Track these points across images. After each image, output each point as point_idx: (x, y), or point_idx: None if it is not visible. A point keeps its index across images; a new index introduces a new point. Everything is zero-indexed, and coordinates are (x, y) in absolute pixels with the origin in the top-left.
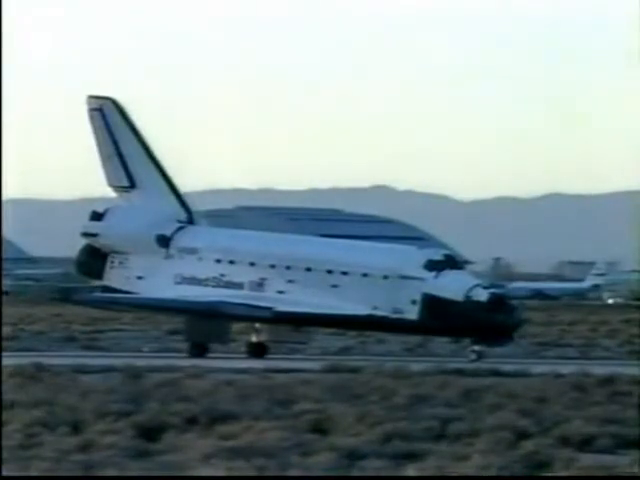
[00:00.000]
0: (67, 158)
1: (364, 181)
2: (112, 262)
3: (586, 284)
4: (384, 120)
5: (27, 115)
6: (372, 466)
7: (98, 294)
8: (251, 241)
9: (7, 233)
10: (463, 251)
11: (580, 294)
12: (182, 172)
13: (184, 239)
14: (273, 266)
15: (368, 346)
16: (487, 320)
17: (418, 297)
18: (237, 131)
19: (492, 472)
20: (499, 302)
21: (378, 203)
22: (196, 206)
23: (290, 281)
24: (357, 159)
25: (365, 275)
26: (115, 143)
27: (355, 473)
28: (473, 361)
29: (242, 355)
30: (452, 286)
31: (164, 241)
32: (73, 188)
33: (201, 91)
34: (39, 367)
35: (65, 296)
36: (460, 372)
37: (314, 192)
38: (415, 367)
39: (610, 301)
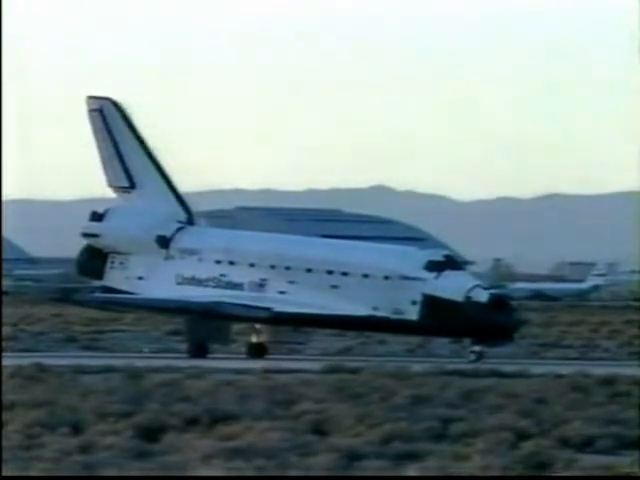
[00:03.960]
0: (67, 158)
1: (364, 181)
2: (112, 262)
3: (586, 285)
4: (384, 120)
5: (27, 115)
6: (372, 466)
7: (98, 294)
8: (251, 242)
9: (7, 233)
10: (463, 251)
11: (580, 295)
12: (182, 172)
13: (184, 240)
14: (273, 267)
15: (368, 347)
16: (487, 321)
17: (418, 298)
18: (237, 131)
19: (492, 472)
20: (499, 303)
21: (378, 203)
22: (196, 206)
23: (290, 282)
24: (357, 159)
25: (365, 276)
26: (115, 143)
27: (355, 473)
28: (473, 362)
29: (242, 355)
30: (452, 287)
31: (164, 241)
32: (73, 188)
33: (201, 91)
34: (39, 367)
35: (65, 296)
36: (460, 373)
37: (314, 192)
38: (415, 368)
39: None
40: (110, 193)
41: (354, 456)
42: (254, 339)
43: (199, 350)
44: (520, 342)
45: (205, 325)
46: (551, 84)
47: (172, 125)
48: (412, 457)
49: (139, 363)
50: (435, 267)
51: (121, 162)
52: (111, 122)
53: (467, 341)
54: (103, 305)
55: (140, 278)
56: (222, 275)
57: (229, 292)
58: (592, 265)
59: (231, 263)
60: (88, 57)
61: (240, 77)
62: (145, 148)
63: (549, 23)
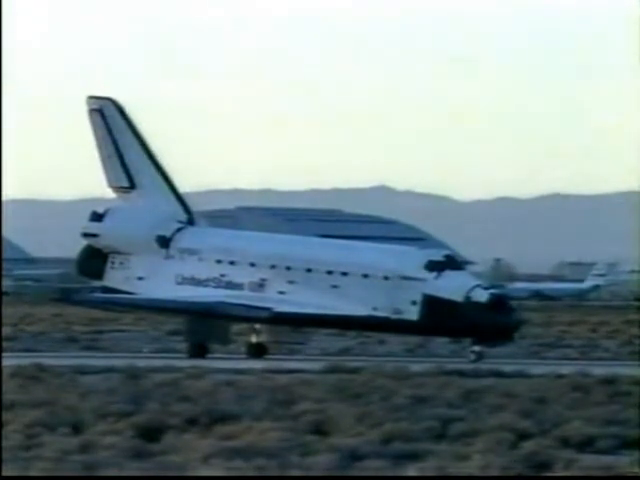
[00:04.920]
0: (67, 158)
1: (364, 181)
2: (112, 263)
3: (586, 285)
4: (384, 120)
5: (27, 115)
6: (372, 466)
7: (98, 294)
8: (251, 242)
9: (7, 233)
10: (463, 251)
11: (580, 295)
12: (182, 172)
13: (184, 239)
14: (273, 267)
15: (368, 347)
16: (487, 321)
17: (418, 298)
18: (237, 131)
19: (492, 472)
20: (499, 303)
21: (378, 203)
22: (196, 206)
23: (290, 282)
24: (357, 159)
25: (365, 276)
26: (115, 143)
27: (355, 473)
28: (473, 362)
29: (242, 355)
30: (452, 287)
31: (164, 241)
32: (73, 188)
33: (201, 91)
34: (39, 368)
35: (65, 296)
36: (460, 373)
37: (314, 192)
38: (415, 368)
39: None
40: (110, 193)
41: (354, 456)
42: (254, 339)
43: (199, 350)
44: (520, 342)
45: (205, 325)
46: (551, 84)
47: (172, 125)
48: (412, 457)
49: (139, 363)
50: (435, 267)
51: (121, 162)
52: (111, 122)
53: (467, 341)
54: (103, 305)
55: (140, 278)
56: (222, 275)
57: (229, 292)
58: (592, 265)
59: (231, 263)
60: (88, 57)
61: (240, 77)
62: (145, 148)
63: (550, 22)
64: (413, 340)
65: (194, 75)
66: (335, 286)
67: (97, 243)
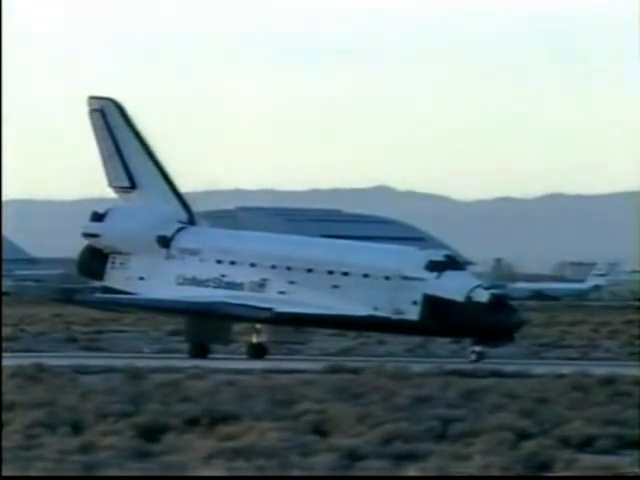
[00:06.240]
0: (67, 158)
1: (364, 181)
2: (113, 263)
3: (587, 285)
4: (384, 120)
5: (27, 115)
6: (373, 466)
7: (99, 295)
8: (252, 242)
9: (7, 233)
10: (463, 251)
11: (580, 295)
12: (182, 172)
13: (185, 240)
14: (274, 267)
15: (369, 347)
16: (488, 321)
17: (419, 298)
18: (237, 131)
19: (493, 472)
20: (500, 303)
21: (378, 203)
22: (196, 206)
23: (291, 282)
24: (357, 159)
25: (366, 276)
26: (116, 144)
27: (355, 473)
28: (474, 362)
29: (242, 356)
30: (453, 287)
31: (165, 242)
32: (73, 188)
33: (201, 91)
34: (40, 368)
35: (66, 297)
36: (461, 373)
37: (314, 192)
38: (416, 368)
39: None
40: (110, 193)
41: (354, 456)
42: (254, 339)
43: (200, 350)
44: (521, 342)
45: (205, 325)
46: (551, 84)
47: (173, 125)
48: (412, 457)
49: (139, 363)
50: (436, 267)
51: (122, 162)
52: (112, 122)
53: (468, 341)
54: (104, 305)
55: (141, 278)
56: (223, 275)
57: (230, 292)
58: (593, 265)
59: (232, 263)
60: (88, 57)
61: (240, 77)
62: (146, 148)
63: (550, 23)
64: (413, 340)
65: (194, 75)
66: (336, 286)
67: (98, 243)
